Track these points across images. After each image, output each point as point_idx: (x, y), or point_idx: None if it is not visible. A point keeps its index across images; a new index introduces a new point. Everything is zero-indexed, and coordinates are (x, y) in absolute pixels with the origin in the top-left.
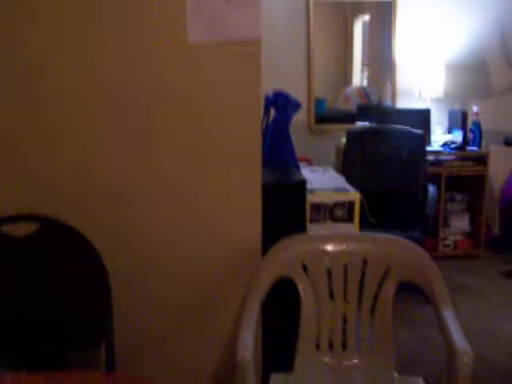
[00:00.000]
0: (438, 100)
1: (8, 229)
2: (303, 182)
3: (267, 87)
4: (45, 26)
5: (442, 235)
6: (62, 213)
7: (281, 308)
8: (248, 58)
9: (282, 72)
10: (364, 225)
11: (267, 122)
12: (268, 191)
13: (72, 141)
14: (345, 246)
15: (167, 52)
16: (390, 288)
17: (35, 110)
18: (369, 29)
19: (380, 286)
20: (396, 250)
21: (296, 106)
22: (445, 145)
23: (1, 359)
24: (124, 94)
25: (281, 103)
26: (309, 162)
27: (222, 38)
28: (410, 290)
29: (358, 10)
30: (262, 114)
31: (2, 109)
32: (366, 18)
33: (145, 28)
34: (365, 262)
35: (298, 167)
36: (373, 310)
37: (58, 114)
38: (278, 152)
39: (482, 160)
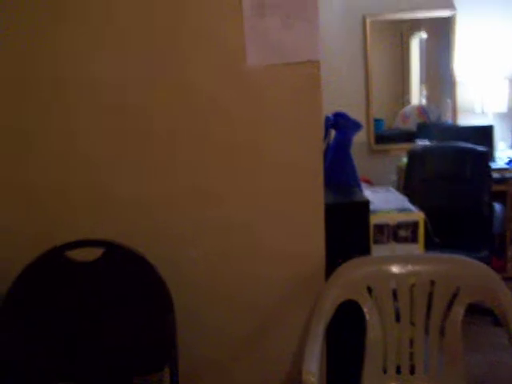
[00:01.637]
0: (501, 115)
1: (73, 254)
2: (366, 203)
3: (326, 108)
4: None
5: (510, 254)
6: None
7: (346, 331)
8: (308, 80)
9: (341, 93)
10: (428, 245)
11: (328, 143)
12: (331, 212)
13: (148, 168)
14: (410, 268)
15: (226, 74)
16: (458, 310)
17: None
18: (426, 46)
19: (448, 307)
20: (464, 270)
21: (356, 126)
22: (510, 162)
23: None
24: (181, 117)
25: (341, 124)
26: (370, 183)
27: (280, 61)
28: (479, 312)
29: (415, 27)
30: (323, 135)
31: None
32: (423, 34)
33: (203, 49)
34: (432, 284)
35: (360, 187)
36: (441, 332)
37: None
38: (339, 172)
39: None
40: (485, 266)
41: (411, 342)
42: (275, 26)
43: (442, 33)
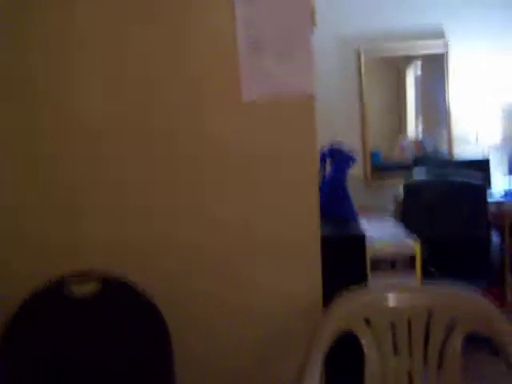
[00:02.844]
0: (496, 146)
1: (70, 288)
2: (363, 235)
3: (321, 140)
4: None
5: (508, 283)
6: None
7: (344, 365)
8: (302, 113)
9: (336, 126)
10: (425, 275)
11: (324, 176)
12: (327, 244)
13: (130, 198)
14: (408, 299)
15: (220, 107)
16: (456, 341)
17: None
18: (421, 79)
19: (446, 339)
20: (461, 301)
21: (350, 159)
22: (507, 194)
23: None
24: (176, 146)
25: (336, 157)
26: (367, 213)
27: (275, 95)
28: (476, 342)
29: (409, 61)
30: (317, 169)
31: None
32: (418, 69)
33: (198, 82)
34: (429, 315)
35: (356, 220)
36: (440, 364)
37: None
38: (335, 205)
39: None
40: (481, 297)
41: (410, 375)
42: (270, 62)
43: (435, 66)
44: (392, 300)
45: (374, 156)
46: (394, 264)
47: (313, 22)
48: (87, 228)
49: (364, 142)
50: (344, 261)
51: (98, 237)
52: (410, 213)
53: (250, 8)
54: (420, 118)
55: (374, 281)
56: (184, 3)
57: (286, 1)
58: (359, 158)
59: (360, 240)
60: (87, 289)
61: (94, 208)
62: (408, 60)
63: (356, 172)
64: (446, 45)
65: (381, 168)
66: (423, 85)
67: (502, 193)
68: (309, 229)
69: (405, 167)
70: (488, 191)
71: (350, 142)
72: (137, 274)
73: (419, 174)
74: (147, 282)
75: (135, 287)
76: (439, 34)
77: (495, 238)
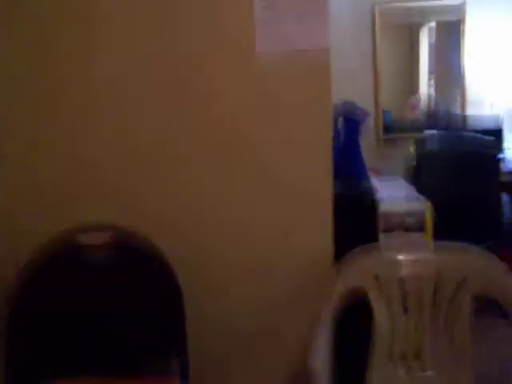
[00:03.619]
0: (510, 112)
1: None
2: (373, 192)
3: (334, 97)
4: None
5: None
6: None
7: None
8: (318, 68)
9: (349, 82)
10: (435, 235)
11: (336, 131)
12: (338, 202)
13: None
14: (418, 257)
15: (234, 60)
16: (465, 300)
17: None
18: (435, 42)
19: (455, 297)
20: (470, 259)
21: (364, 114)
22: None
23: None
24: (182, 107)
25: (349, 112)
26: (377, 173)
27: (290, 48)
28: (488, 304)
29: (424, 16)
30: (331, 124)
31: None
32: (433, 31)
33: (212, 36)
34: (439, 273)
35: (367, 177)
36: (449, 323)
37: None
38: (347, 162)
39: None
40: (492, 255)
41: (419, 332)
42: (286, 17)
43: (451, 23)
44: (401, 257)
45: (386, 115)
46: (403, 222)
47: None
48: (99, 178)
49: (376, 103)
50: (355, 219)
51: (112, 189)
52: (420, 169)
53: None
54: (433, 80)
55: (385, 240)
56: None
57: None
58: (371, 118)
59: (370, 196)
60: (99, 239)
61: (108, 157)
62: (423, 23)
63: (368, 132)
64: (462, 9)
65: (392, 128)
66: (437, 47)
67: None
68: (321, 185)
69: (416, 126)
70: (500, 159)
71: (363, 103)
72: (150, 232)
73: (431, 139)
74: (160, 240)
75: (148, 241)
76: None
77: (506, 198)
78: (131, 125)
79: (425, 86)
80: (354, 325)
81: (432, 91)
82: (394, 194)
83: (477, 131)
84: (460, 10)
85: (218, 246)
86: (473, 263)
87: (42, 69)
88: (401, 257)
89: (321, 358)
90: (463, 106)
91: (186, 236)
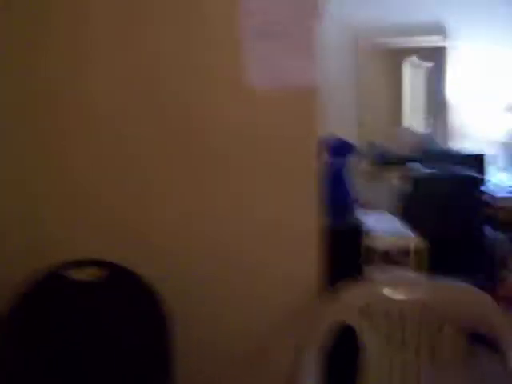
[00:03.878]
0: (494, 141)
1: (76, 273)
2: (360, 226)
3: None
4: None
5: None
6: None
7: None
8: (305, 105)
9: (334, 116)
10: (421, 268)
11: (325, 165)
12: (326, 234)
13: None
14: (404, 291)
15: (223, 94)
16: (452, 336)
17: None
18: (421, 72)
19: (444, 332)
20: (457, 295)
21: (351, 148)
22: (502, 190)
23: None
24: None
25: (336, 147)
26: (364, 205)
27: (278, 84)
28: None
29: (409, 54)
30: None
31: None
32: (418, 61)
33: (203, 69)
34: (425, 308)
35: (354, 211)
36: (437, 358)
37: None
38: (334, 195)
39: None
40: (479, 290)
41: (404, 367)
42: (276, 51)
43: (435, 59)
44: (388, 292)
45: (371, 148)
46: (392, 256)
47: (320, 12)
48: (84, 211)
49: (361, 136)
50: (342, 251)
51: (99, 222)
52: (406, 204)
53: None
54: (419, 111)
55: (371, 273)
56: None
57: None
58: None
59: (357, 230)
60: (86, 275)
61: (93, 193)
62: (408, 52)
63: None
64: (446, 39)
65: (379, 160)
66: (423, 78)
67: (498, 188)
68: (309, 218)
69: (403, 160)
70: (484, 187)
71: (348, 136)
72: (139, 260)
73: (417, 167)
74: (150, 268)
75: (135, 272)
76: (440, 28)
77: (489, 231)
78: (118, 153)
79: (409, 118)
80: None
81: (416, 123)
82: (380, 226)
83: (460, 163)
84: (444, 44)
85: (207, 273)
86: (459, 299)
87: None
88: (387, 291)
89: None
90: (447, 137)
91: (174, 262)
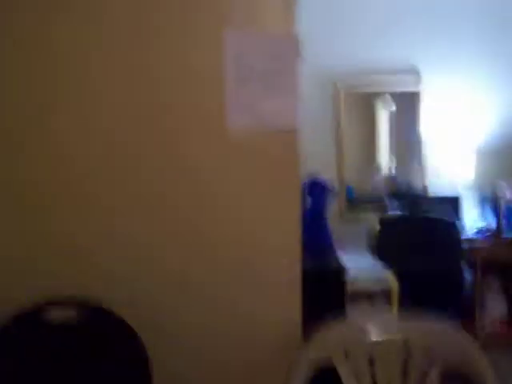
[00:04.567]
0: (468, 183)
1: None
2: (343, 269)
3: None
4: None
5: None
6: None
7: None
8: (286, 148)
9: (312, 159)
10: (401, 308)
11: (305, 207)
12: (307, 278)
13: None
14: (385, 332)
15: (204, 138)
16: (434, 375)
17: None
18: (394, 115)
19: (425, 374)
20: (440, 336)
21: (329, 190)
22: (479, 232)
23: None
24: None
25: (316, 189)
26: (341, 246)
27: (259, 126)
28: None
29: (383, 97)
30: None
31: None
32: (392, 104)
33: (185, 112)
34: (408, 349)
35: (335, 253)
36: None
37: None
38: (315, 235)
39: None
40: (461, 332)
41: None
42: (257, 94)
43: (408, 103)
44: (369, 333)
45: (347, 189)
46: (371, 297)
47: (300, 54)
48: (68, 252)
49: (339, 176)
50: (323, 291)
51: (82, 261)
52: (384, 247)
53: (239, 43)
54: (393, 153)
55: (352, 313)
56: (174, 40)
57: (274, 36)
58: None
59: (340, 272)
60: (65, 315)
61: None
62: (382, 96)
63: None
64: (418, 82)
65: (354, 202)
66: (396, 120)
67: (474, 230)
68: (290, 259)
69: (378, 201)
70: (456, 228)
71: (326, 176)
72: (119, 301)
73: (392, 209)
74: (130, 309)
75: (114, 313)
76: (413, 71)
77: (467, 274)
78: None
79: (384, 158)
80: None
81: (391, 162)
82: (359, 266)
83: (435, 200)
84: (416, 87)
85: (189, 315)
86: (441, 340)
87: None
88: (369, 333)
89: None
90: (422, 175)
91: (158, 303)
